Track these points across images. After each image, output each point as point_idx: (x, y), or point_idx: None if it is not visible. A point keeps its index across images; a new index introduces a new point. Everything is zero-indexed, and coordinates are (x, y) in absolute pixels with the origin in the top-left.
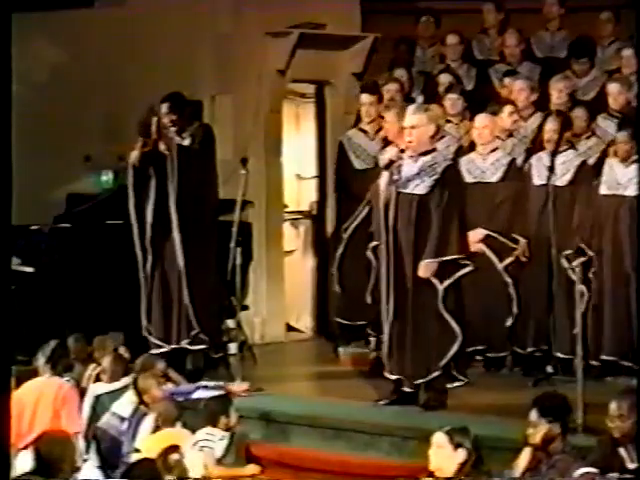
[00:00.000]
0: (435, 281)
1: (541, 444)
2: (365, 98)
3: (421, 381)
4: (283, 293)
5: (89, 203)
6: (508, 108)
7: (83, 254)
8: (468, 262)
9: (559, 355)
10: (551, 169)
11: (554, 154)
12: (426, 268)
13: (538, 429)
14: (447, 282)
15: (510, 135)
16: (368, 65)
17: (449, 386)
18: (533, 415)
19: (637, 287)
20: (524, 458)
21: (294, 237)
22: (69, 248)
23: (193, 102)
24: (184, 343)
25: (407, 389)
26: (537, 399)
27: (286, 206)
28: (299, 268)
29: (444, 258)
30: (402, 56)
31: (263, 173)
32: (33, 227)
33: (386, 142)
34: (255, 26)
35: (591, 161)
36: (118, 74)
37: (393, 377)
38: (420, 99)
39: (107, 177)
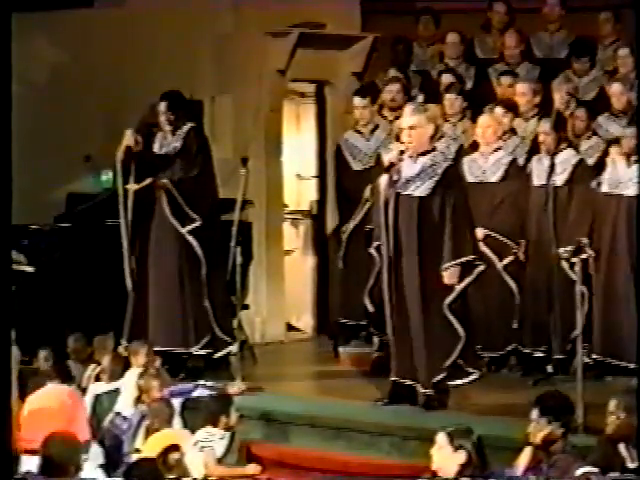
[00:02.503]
0: (457, 285)
1: (542, 444)
2: (358, 102)
3: (433, 380)
4: (283, 292)
5: (89, 203)
6: (498, 109)
7: (83, 254)
8: (480, 262)
9: (558, 356)
10: (552, 169)
11: (554, 154)
12: (451, 275)
13: (539, 428)
14: (464, 283)
15: (511, 132)
16: (368, 65)
17: (463, 381)
18: (534, 414)
19: (637, 287)
20: (525, 457)
21: (294, 237)
22: (69, 248)
23: (192, 102)
24: (194, 349)
25: (422, 390)
26: (539, 398)
27: (286, 206)
28: (299, 267)
29: (462, 260)
30: (399, 56)
31: (263, 173)
32: (33, 227)
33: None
34: (255, 26)
35: (591, 161)
36: (118, 74)
37: (403, 381)
38: (420, 98)
39: (107, 177)
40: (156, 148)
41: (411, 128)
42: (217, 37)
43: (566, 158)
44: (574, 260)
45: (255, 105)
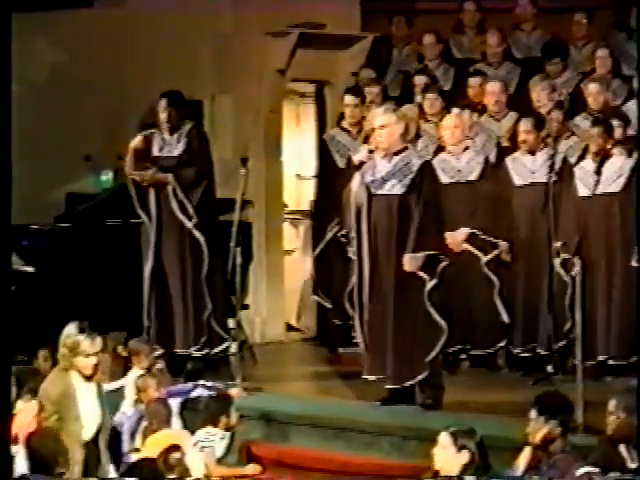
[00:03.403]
0: (424, 276)
1: (541, 444)
2: (350, 100)
3: (410, 382)
4: (283, 293)
5: (89, 203)
6: (455, 109)
7: (83, 254)
8: (444, 257)
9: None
10: (551, 168)
11: (552, 154)
12: (411, 261)
13: (538, 428)
14: (435, 277)
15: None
16: (368, 65)
17: None
18: (533, 414)
19: (637, 286)
20: (524, 457)
21: (294, 237)
22: (69, 248)
23: (192, 102)
24: (193, 349)
25: (391, 386)
26: (538, 398)
27: (286, 206)
28: (299, 267)
29: (430, 252)
30: (380, 55)
31: (263, 173)
32: (33, 227)
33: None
34: (255, 26)
35: (572, 160)
36: (118, 74)
37: (372, 378)
38: (419, 99)
39: (107, 177)
40: (155, 151)
41: (381, 127)
42: (217, 37)
43: (549, 157)
44: (572, 259)
45: (255, 105)
